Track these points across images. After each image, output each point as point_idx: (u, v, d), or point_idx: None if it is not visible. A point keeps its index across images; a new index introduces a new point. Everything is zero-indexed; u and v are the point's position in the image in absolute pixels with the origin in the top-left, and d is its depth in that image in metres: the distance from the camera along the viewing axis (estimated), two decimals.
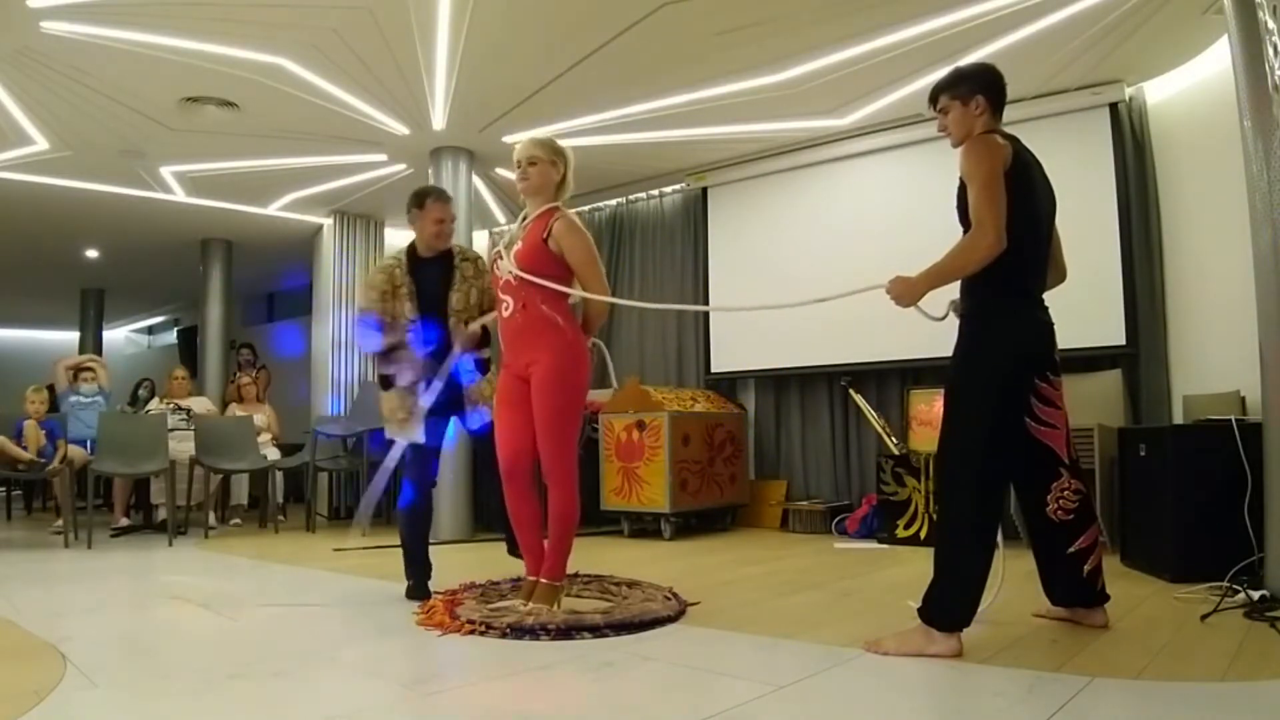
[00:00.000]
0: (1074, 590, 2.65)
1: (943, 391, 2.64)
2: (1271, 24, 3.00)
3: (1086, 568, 2.59)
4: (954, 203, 2.60)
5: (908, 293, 2.50)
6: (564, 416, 2.86)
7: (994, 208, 2.38)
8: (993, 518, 2.48)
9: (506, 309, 2.92)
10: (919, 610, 2.46)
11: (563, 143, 3.02)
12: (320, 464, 6.32)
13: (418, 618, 2.91)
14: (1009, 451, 2.50)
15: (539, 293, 2.86)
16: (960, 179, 2.54)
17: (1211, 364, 4.44)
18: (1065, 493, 2.58)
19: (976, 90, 2.63)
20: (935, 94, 2.72)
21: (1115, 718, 1.92)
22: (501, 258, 2.95)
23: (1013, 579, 3.48)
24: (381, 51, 4.40)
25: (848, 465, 5.85)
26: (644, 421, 5.40)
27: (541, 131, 5.30)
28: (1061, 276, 2.78)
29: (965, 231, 2.50)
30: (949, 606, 2.42)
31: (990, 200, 2.39)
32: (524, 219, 2.99)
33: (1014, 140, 2.58)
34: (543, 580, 2.92)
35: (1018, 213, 2.44)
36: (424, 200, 3.33)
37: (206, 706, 2.03)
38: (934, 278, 2.46)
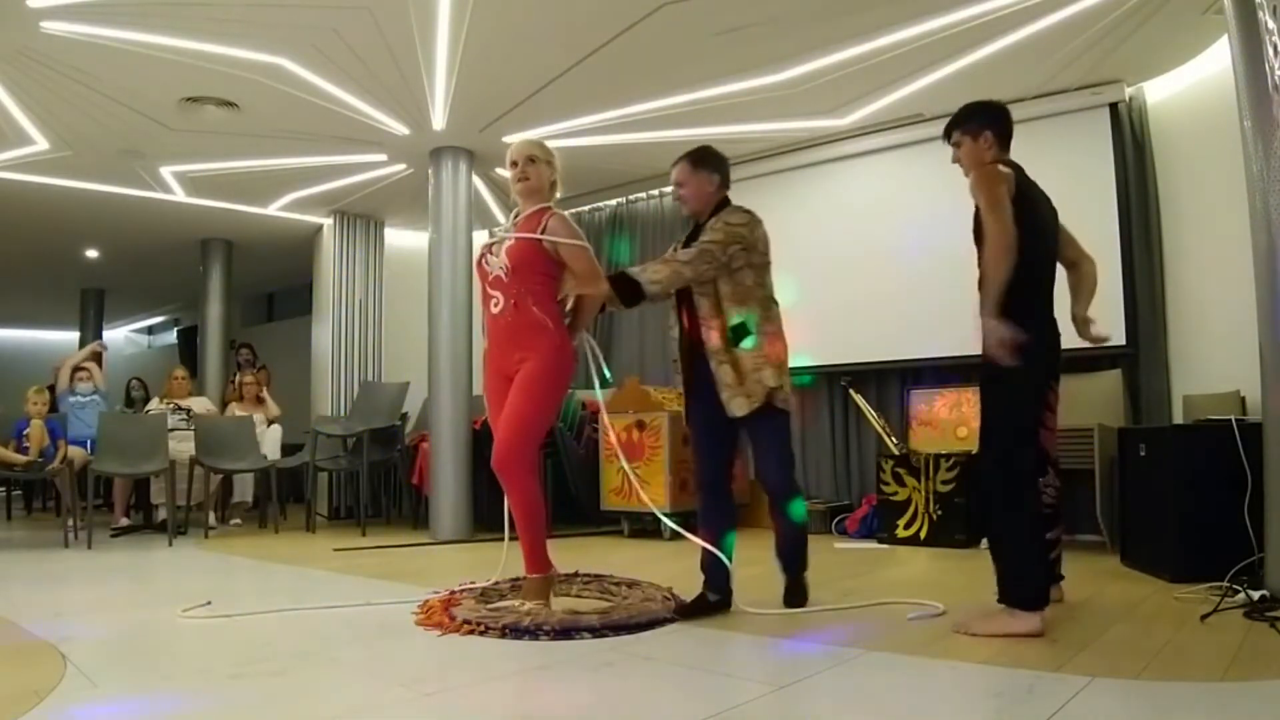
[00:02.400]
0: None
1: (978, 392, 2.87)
2: (1271, 24, 3.00)
3: (1054, 554, 2.97)
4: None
5: (1005, 332, 2.57)
6: (536, 413, 2.90)
7: (1002, 221, 2.63)
8: (1036, 501, 2.71)
9: (496, 306, 2.95)
10: (1000, 594, 2.62)
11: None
12: (320, 464, 6.32)
13: (417, 618, 2.92)
14: (1037, 443, 2.75)
15: (531, 292, 2.89)
16: (976, 207, 2.74)
17: (1211, 364, 4.44)
18: (1049, 487, 2.91)
19: (985, 126, 2.88)
20: (949, 129, 2.96)
21: (1115, 718, 1.92)
22: (491, 254, 2.97)
23: None
24: (381, 51, 4.40)
25: (848, 465, 5.85)
26: (644, 421, 5.40)
27: (542, 131, 5.30)
28: (1092, 267, 3.05)
29: (979, 250, 2.68)
30: (1024, 585, 2.60)
31: (998, 216, 2.64)
32: (515, 218, 3.05)
33: (1017, 168, 2.81)
34: (528, 575, 2.95)
35: (1025, 235, 2.65)
36: None
37: (206, 706, 2.03)
38: (993, 301, 2.59)
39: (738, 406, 2.89)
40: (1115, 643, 2.50)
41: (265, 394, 7.06)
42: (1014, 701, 1.97)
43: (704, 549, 3.01)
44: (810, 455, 6.01)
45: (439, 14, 4.05)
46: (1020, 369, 2.60)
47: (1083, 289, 3.02)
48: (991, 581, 2.62)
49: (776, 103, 5.08)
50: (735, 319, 2.92)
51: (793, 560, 3.10)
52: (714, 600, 2.98)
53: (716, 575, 2.99)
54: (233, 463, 6.01)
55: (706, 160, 3.10)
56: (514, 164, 3.02)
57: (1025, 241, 2.64)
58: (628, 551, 4.78)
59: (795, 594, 3.07)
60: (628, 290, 2.87)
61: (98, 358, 6.86)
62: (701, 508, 3.10)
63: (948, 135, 2.96)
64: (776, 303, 3.06)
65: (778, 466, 3.01)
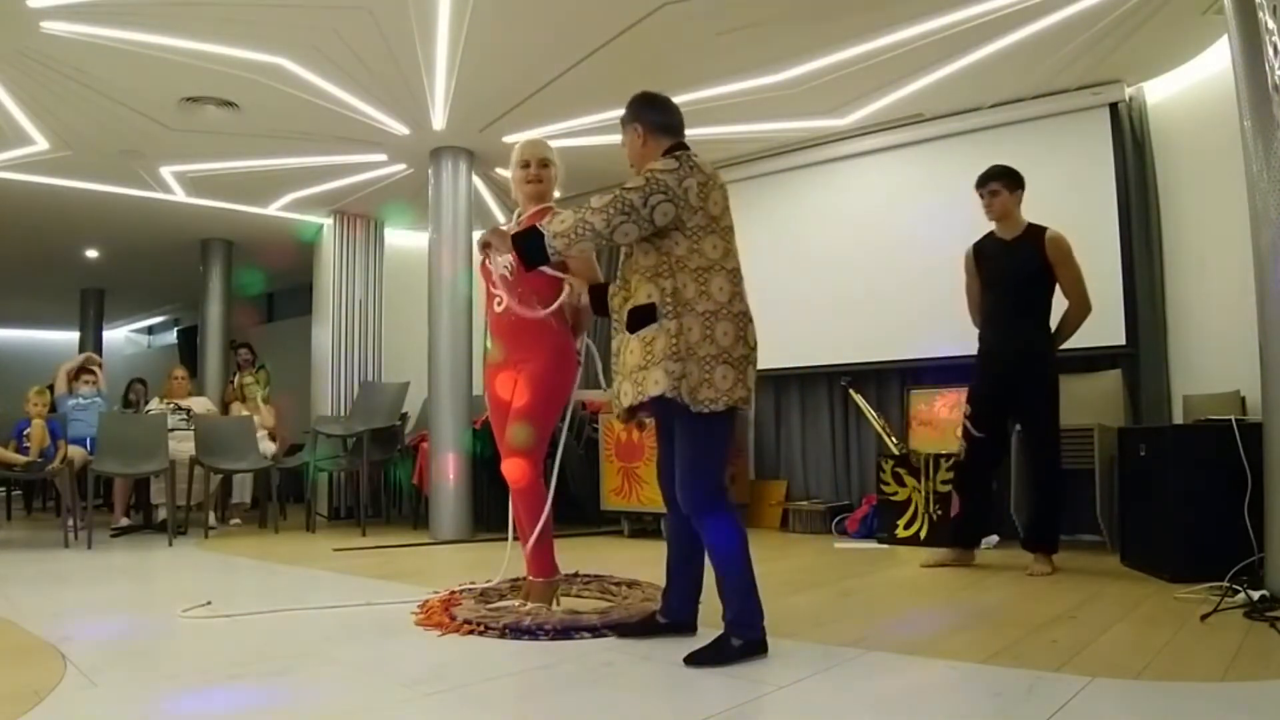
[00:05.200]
0: None
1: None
2: (1271, 24, 3.00)
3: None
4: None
5: None
6: (541, 414, 2.90)
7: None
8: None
9: (499, 305, 2.95)
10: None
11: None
12: (320, 464, 6.31)
13: (417, 618, 2.92)
14: None
15: (535, 292, 2.88)
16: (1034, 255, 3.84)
17: (1211, 364, 4.44)
18: None
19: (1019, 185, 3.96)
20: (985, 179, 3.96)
21: (1115, 718, 1.92)
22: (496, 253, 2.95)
23: (1011, 578, 3.48)
24: (381, 51, 4.39)
25: (848, 465, 5.84)
26: (644, 421, 5.38)
27: (542, 131, 5.31)
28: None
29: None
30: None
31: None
32: (519, 218, 3.04)
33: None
34: (534, 579, 2.95)
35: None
36: None
37: (206, 706, 2.03)
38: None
39: (624, 395, 2.45)
40: (1115, 643, 2.50)
41: (267, 396, 7.04)
42: (1014, 701, 1.97)
43: (668, 563, 2.59)
44: (810, 455, 6.01)
45: (439, 14, 4.05)
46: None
47: None
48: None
49: (776, 103, 5.08)
50: (642, 299, 2.41)
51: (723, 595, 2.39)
52: (663, 623, 2.58)
53: (675, 596, 2.58)
54: (233, 463, 6.01)
55: (628, 110, 2.63)
56: (525, 164, 3.02)
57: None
58: (628, 551, 4.78)
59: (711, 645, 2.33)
60: (530, 248, 2.37)
61: (96, 365, 6.85)
62: (667, 519, 2.67)
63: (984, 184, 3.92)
64: (726, 273, 2.48)
65: (683, 478, 2.42)
